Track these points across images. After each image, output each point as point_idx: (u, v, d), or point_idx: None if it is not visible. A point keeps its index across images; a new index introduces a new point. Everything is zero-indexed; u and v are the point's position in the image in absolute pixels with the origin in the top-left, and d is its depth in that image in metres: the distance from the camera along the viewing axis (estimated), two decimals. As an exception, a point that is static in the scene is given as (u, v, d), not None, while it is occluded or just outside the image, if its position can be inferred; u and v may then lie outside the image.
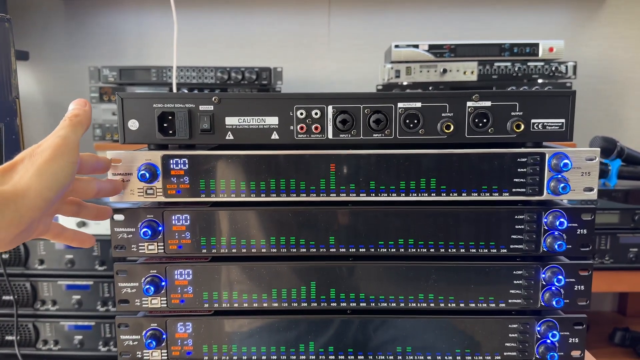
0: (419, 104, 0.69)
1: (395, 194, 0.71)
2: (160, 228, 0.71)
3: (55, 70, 1.94)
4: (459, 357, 0.74)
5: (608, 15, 1.91)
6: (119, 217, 0.71)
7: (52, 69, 1.94)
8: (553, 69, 1.62)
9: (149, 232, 0.70)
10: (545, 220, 0.70)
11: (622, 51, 1.92)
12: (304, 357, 0.74)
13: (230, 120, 0.70)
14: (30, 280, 1.35)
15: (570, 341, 0.73)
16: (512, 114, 0.69)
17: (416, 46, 1.62)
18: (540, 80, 1.64)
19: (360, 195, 0.71)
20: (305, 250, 0.72)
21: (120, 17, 1.93)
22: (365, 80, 1.92)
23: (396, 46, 1.61)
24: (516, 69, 1.62)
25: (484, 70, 1.62)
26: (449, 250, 0.72)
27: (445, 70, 1.61)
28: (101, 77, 1.66)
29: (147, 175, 0.69)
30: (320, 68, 1.94)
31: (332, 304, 0.74)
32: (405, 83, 1.62)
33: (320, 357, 0.74)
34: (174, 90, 1.42)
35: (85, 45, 1.93)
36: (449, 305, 0.73)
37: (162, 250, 0.72)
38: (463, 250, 0.72)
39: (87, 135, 1.78)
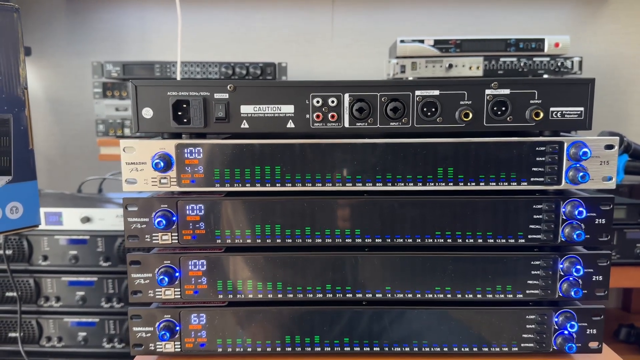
0: (437, 92, 0.68)
1: (412, 184, 0.70)
2: (174, 218, 0.70)
3: (57, 66, 1.92)
4: (475, 349, 0.73)
5: (611, 11, 1.91)
6: (133, 207, 0.70)
7: (54, 64, 1.92)
8: (559, 64, 1.61)
9: (163, 222, 0.69)
10: (564, 209, 0.70)
11: (626, 47, 1.92)
12: (318, 348, 0.74)
13: (246, 109, 0.69)
14: (33, 276, 1.33)
15: (588, 332, 0.72)
16: (531, 102, 0.68)
17: (422, 41, 1.61)
18: (545, 76, 1.63)
19: (377, 184, 0.70)
20: (320, 240, 0.72)
21: (122, 12, 1.92)
22: (370, 76, 1.90)
23: (401, 41, 1.60)
24: (522, 64, 1.61)
25: (490, 66, 1.61)
26: (466, 240, 0.71)
27: (450, 66, 1.60)
28: (104, 73, 1.65)
29: (162, 164, 0.68)
30: (324, 63, 1.93)
31: (347, 295, 0.73)
32: (410, 78, 1.61)
33: (335, 348, 0.74)
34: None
35: (87, 41, 1.92)
36: (466, 296, 0.72)
37: (176, 241, 0.71)
38: (480, 240, 0.71)
39: (90, 131, 1.76)
